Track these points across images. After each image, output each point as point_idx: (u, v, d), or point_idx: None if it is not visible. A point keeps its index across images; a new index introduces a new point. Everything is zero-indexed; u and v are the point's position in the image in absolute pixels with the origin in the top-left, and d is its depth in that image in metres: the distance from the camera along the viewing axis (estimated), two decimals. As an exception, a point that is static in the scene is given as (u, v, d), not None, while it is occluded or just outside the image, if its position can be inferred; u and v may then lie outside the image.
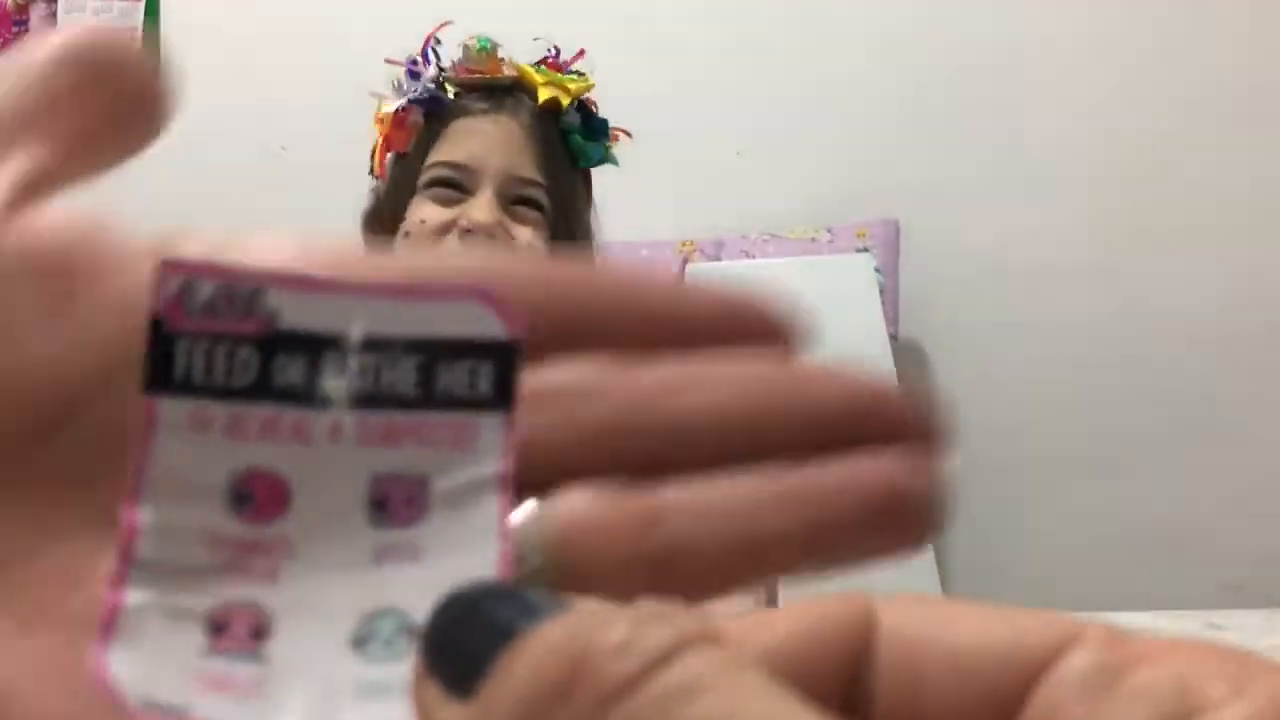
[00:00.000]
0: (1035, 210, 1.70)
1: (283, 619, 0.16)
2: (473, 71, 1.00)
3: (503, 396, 0.17)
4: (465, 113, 0.98)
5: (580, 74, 1.03)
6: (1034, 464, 1.68)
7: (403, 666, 0.15)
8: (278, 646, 0.16)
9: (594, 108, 1.03)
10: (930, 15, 1.75)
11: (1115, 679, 0.14)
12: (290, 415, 0.17)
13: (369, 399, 0.17)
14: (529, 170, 0.95)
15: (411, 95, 1.00)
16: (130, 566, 0.16)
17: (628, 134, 1.07)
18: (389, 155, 1.02)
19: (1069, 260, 1.67)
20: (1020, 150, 1.72)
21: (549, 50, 1.04)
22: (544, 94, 0.99)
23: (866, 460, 0.19)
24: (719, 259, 1.67)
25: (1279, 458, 1.64)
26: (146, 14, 1.89)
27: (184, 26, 1.88)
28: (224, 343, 0.17)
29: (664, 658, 0.13)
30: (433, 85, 1.00)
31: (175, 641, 0.16)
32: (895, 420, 0.19)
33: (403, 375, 0.17)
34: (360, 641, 0.16)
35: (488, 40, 1.01)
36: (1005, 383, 1.67)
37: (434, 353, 0.17)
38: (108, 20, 1.88)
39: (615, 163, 1.05)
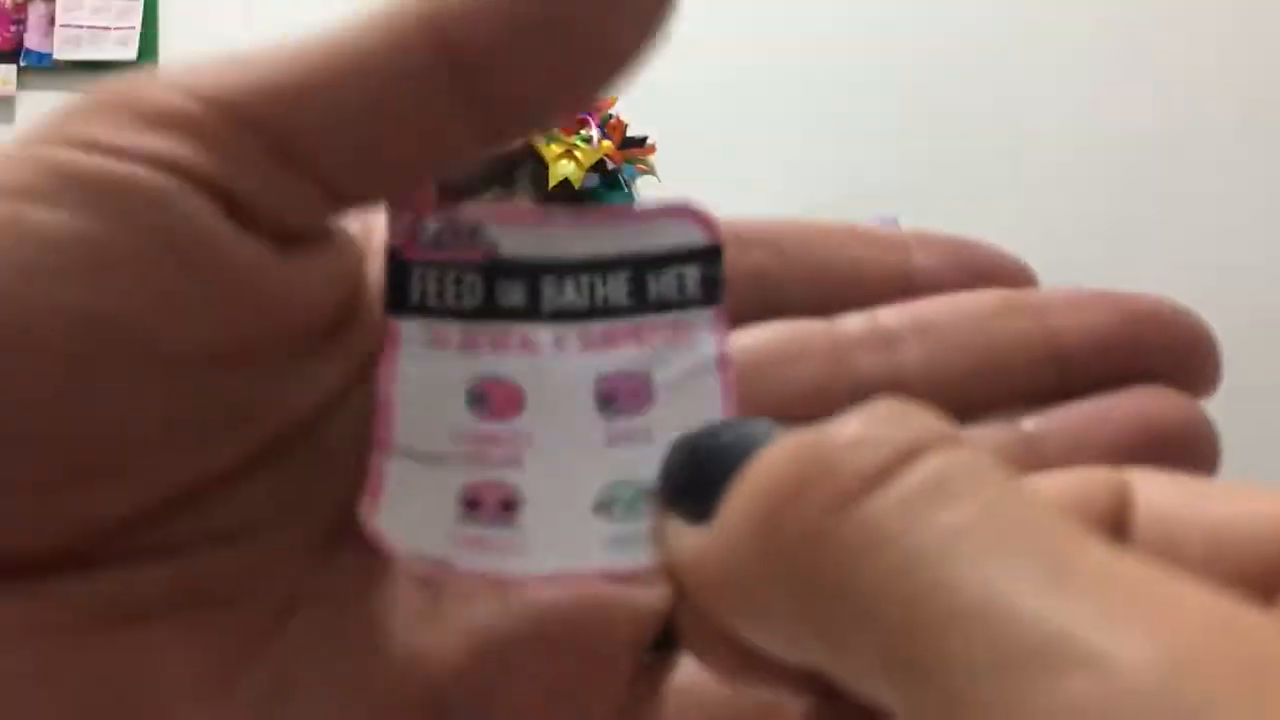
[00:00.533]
0: (1036, 209, 1.70)
1: (529, 493, 0.17)
2: None
3: (711, 293, 0.19)
4: (473, 194, 0.97)
5: (589, 139, 0.98)
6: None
7: (646, 523, 0.17)
8: (528, 515, 0.17)
9: (618, 132, 0.99)
10: (930, 13, 1.75)
11: None
12: (517, 331, 0.18)
13: (588, 312, 0.18)
14: None
15: None
16: (389, 450, 0.17)
17: (651, 148, 1.05)
18: None
19: (1070, 259, 1.67)
20: (1021, 148, 1.72)
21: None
22: (556, 173, 0.95)
23: (1128, 398, 0.18)
24: (718, 258, 1.67)
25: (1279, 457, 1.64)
26: (145, 13, 1.89)
27: (182, 30, 1.88)
28: (452, 269, 0.18)
29: (907, 455, 0.12)
30: None
31: (434, 508, 0.17)
32: (1160, 352, 0.18)
33: (616, 288, 0.19)
34: (603, 507, 0.17)
35: None
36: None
37: (643, 265, 0.19)
38: (106, 20, 1.88)
39: (655, 176, 1.02)
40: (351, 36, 0.16)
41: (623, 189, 1.01)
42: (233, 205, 0.16)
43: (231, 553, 0.17)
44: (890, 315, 0.19)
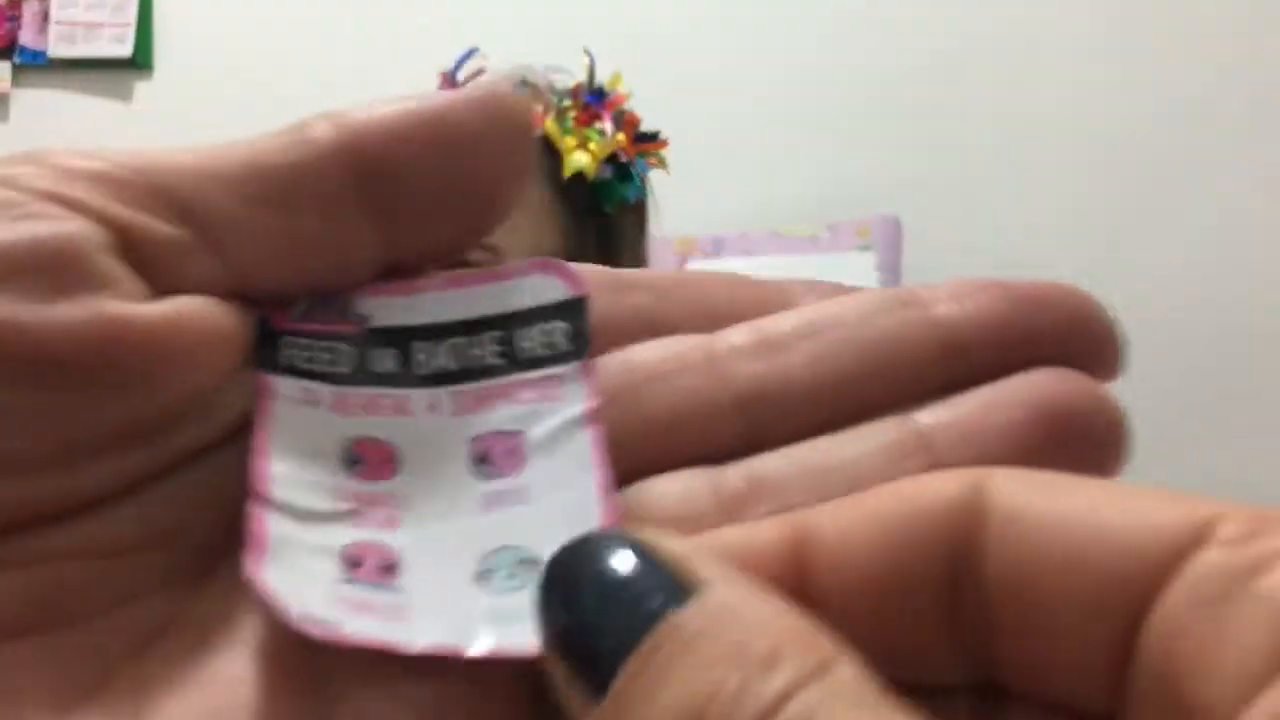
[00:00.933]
0: (1038, 207, 1.69)
1: (409, 558, 0.17)
2: None
3: (578, 346, 0.19)
4: None
5: (603, 132, 0.97)
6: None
7: (528, 594, 0.16)
8: (409, 580, 0.17)
9: (633, 126, 0.98)
10: (931, 11, 1.74)
11: (1243, 583, 0.12)
12: (390, 395, 0.18)
13: (460, 374, 0.18)
14: (554, 242, 0.92)
15: None
16: (267, 506, 0.17)
17: (664, 142, 1.03)
18: None
19: (1072, 258, 1.66)
20: (1023, 147, 1.72)
21: (581, 81, 0.98)
22: (570, 164, 0.94)
23: (1022, 382, 0.17)
24: (718, 256, 1.66)
25: (1279, 458, 1.64)
26: (140, 10, 1.87)
27: (178, 26, 1.87)
28: (324, 340, 0.18)
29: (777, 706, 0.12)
30: None
31: (317, 567, 0.17)
32: (1054, 335, 0.18)
33: (487, 348, 0.19)
34: (484, 576, 0.17)
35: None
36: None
37: (511, 323, 0.19)
38: (101, 16, 1.86)
39: (665, 168, 1.01)
40: (264, 140, 0.17)
41: (635, 181, 1.00)
42: (128, 246, 0.16)
43: (96, 571, 0.16)
44: (773, 322, 0.19)
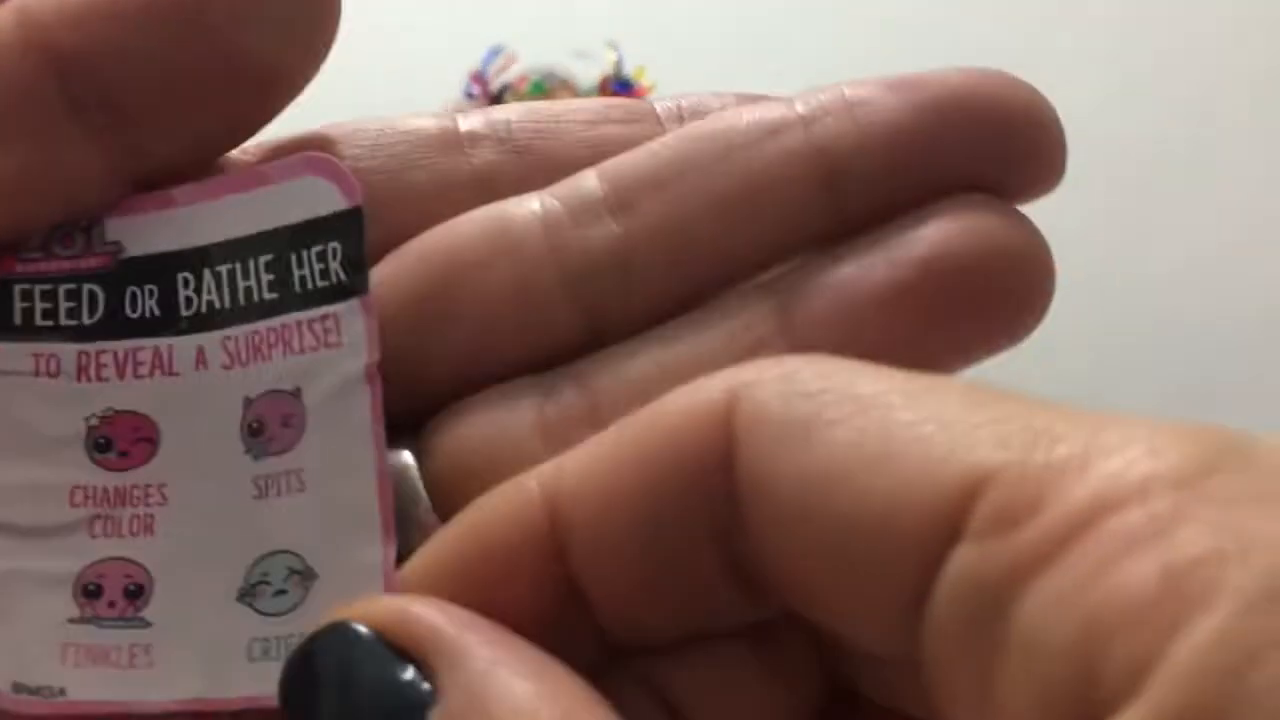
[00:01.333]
0: (1039, 207, 1.69)
1: (162, 575, 0.15)
2: None
3: (355, 276, 0.15)
4: None
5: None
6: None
7: (297, 619, 0.14)
8: (159, 606, 0.15)
9: None
10: (932, 13, 1.74)
11: (1001, 607, 0.09)
12: (149, 347, 0.15)
13: (230, 314, 0.15)
14: None
15: None
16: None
17: None
18: None
19: (1073, 257, 1.66)
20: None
21: (610, 70, 0.97)
22: None
23: (912, 230, 0.14)
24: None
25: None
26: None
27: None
28: (66, 282, 0.15)
29: None
30: None
31: (45, 612, 0.14)
32: (967, 149, 0.15)
33: (259, 278, 0.16)
34: (249, 593, 0.15)
35: (542, 80, 0.94)
36: (1009, 382, 1.66)
37: (284, 243, 0.15)
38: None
39: None
40: None
41: None
42: None
43: None
44: (616, 168, 0.16)
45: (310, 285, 0.15)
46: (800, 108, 0.15)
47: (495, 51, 1.00)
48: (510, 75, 0.98)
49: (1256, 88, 1.68)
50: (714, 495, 0.12)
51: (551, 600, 0.13)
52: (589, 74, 1.01)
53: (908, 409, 0.10)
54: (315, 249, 0.15)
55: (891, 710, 0.13)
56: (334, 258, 0.15)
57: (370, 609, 0.12)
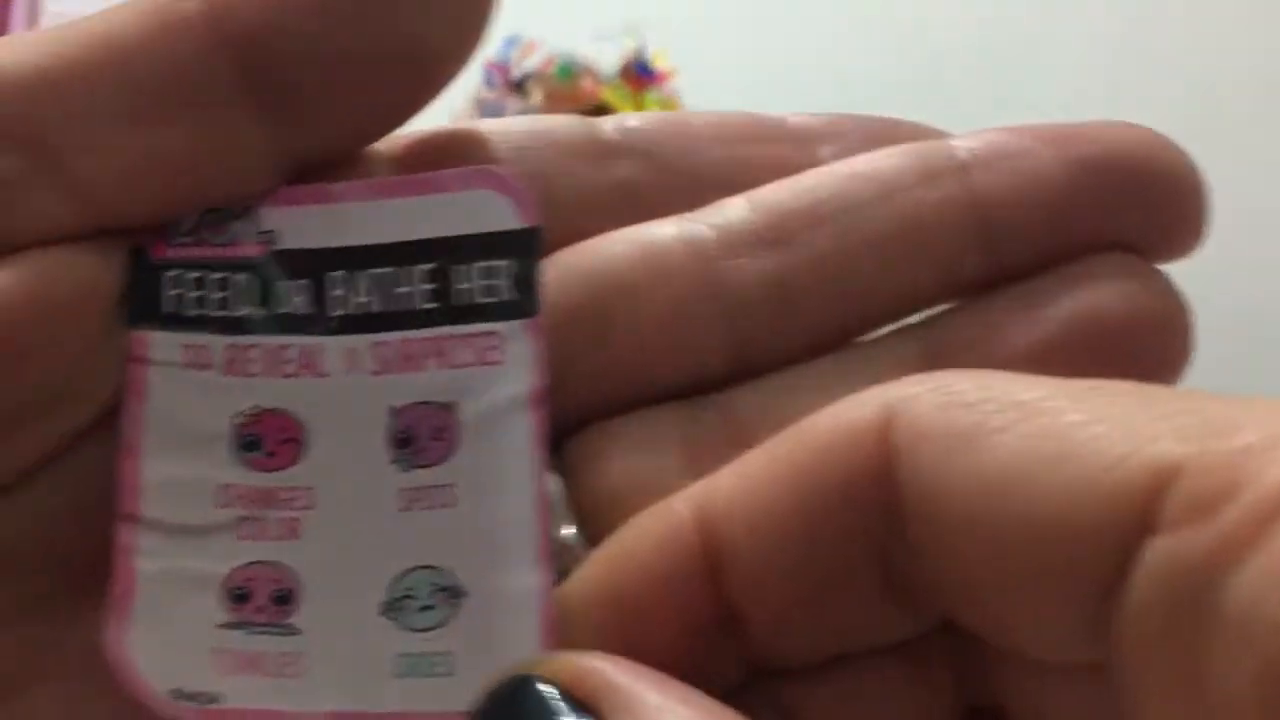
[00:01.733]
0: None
1: (309, 582, 0.15)
2: (554, 99, 0.92)
3: (525, 297, 0.15)
4: None
5: (660, 102, 0.97)
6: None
7: (444, 636, 0.14)
8: (307, 614, 0.15)
9: None
10: (932, 12, 1.74)
11: (1209, 591, 0.10)
12: (298, 345, 0.15)
13: (382, 318, 0.15)
14: None
15: None
16: (137, 529, 0.14)
17: None
18: None
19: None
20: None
21: (632, 56, 0.97)
22: None
23: (1063, 285, 0.15)
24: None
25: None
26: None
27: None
28: (217, 270, 0.15)
29: None
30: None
31: (196, 615, 0.14)
32: (1119, 210, 0.15)
33: (417, 286, 0.15)
34: (394, 607, 0.15)
35: (568, 64, 0.94)
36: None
37: (446, 253, 0.15)
38: (92, 9, 1.83)
39: None
40: (120, 20, 0.14)
41: None
42: None
43: None
44: (774, 196, 0.16)
45: (473, 300, 0.15)
46: (958, 154, 0.16)
47: (512, 40, 0.98)
48: (533, 62, 0.98)
49: (1256, 87, 1.70)
50: (871, 510, 0.12)
51: (701, 623, 0.13)
52: (609, 59, 1.01)
53: (1077, 411, 0.11)
54: (481, 264, 0.15)
55: None
56: (503, 276, 0.15)
57: (550, 664, 0.13)
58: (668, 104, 0.94)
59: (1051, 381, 0.12)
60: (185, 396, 0.15)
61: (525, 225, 0.15)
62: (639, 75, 0.95)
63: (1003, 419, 0.11)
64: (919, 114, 0.18)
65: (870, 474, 0.12)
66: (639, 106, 0.92)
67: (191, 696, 0.14)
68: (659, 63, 1.00)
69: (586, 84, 0.95)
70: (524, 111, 0.91)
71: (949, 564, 0.12)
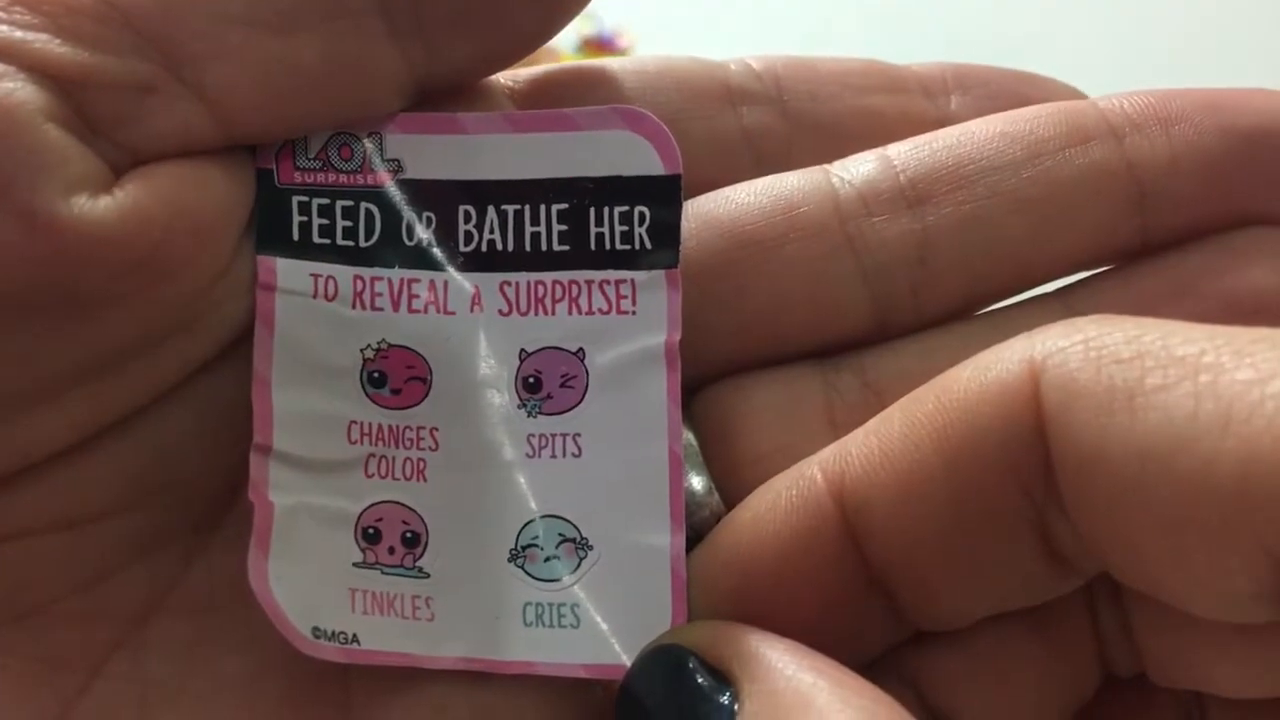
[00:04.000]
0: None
1: (435, 525, 0.14)
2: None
3: (665, 247, 0.15)
4: None
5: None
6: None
7: (570, 588, 0.14)
8: (435, 558, 0.14)
9: None
10: (933, 12, 1.73)
11: None
12: (424, 280, 0.15)
13: (512, 257, 0.15)
14: None
15: None
16: (269, 461, 0.14)
17: None
18: None
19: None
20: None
21: (590, 30, 0.95)
22: None
23: (1219, 258, 0.14)
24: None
25: None
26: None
27: None
28: (344, 197, 0.14)
29: None
30: None
31: (332, 553, 0.14)
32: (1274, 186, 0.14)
33: (550, 226, 0.15)
34: (520, 555, 0.14)
35: None
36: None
37: (582, 196, 0.15)
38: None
39: None
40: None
41: None
42: (79, 104, 0.12)
43: (57, 548, 0.13)
44: (915, 155, 0.15)
45: (608, 245, 0.15)
46: (1111, 117, 0.15)
47: None
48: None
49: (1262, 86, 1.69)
50: (1022, 470, 0.12)
51: (837, 592, 0.13)
52: (567, 37, 0.99)
53: (1245, 367, 0.10)
54: (619, 208, 0.15)
55: (1172, 692, 0.13)
56: (641, 222, 0.15)
57: (689, 632, 0.13)
58: None
59: (1209, 331, 0.11)
60: (313, 328, 0.14)
61: (667, 172, 0.15)
62: (601, 44, 0.93)
63: (1162, 377, 0.11)
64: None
65: (1021, 435, 0.12)
66: None
67: (331, 635, 0.14)
68: (620, 37, 0.97)
69: (547, 61, 0.96)
70: None
71: (1111, 524, 0.11)
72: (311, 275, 0.14)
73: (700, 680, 0.12)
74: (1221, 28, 1.67)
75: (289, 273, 0.14)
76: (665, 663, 0.13)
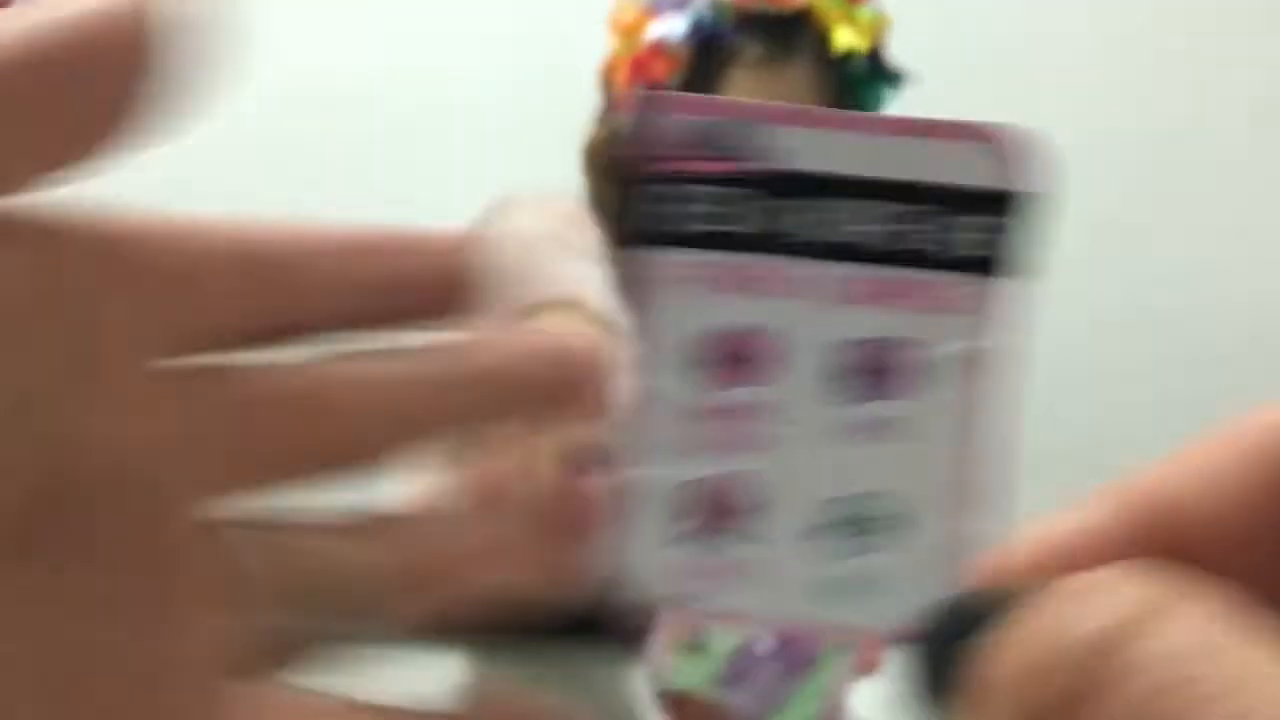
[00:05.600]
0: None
1: (775, 494, 0.15)
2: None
3: (1006, 257, 0.16)
4: (740, 59, 0.78)
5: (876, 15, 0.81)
6: (1037, 464, 1.67)
7: (895, 561, 0.15)
8: (765, 525, 0.15)
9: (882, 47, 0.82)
10: (933, 12, 1.73)
11: None
12: (799, 269, 0.15)
13: (864, 252, 0.16)
14: None
15: (681, 30, 0.77)
16: (628, 438, 0.15)
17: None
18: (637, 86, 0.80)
19: (1075, 257, 1.65)
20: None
21: None
22: (840, 40, 0.77)
23: None
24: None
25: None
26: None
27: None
28: (728, 186, 0.15)
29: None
30: (708, 14, 0.77)
31: (672, 521, 0.15)
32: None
33: (927, 230, 0.16)
34: (821, 529, 0.15)
35: None
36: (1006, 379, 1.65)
37: (932, 200, 0.16)
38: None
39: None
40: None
41: (886, 96, 0.85)
42: None
43: None
44: None
45: (948, 250, 0.16)
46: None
47: None
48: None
49: (1256, 90, 1.68)
50: None
51: None
52: None
53: None
54: (976, 218, 0.16)
55: None
56: (989, 234, 0.16)
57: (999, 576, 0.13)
58: (877, 19, 0.82)
59: None
60: (686, 307, 0.15)
61: (1013, 188, 0.16)
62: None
63: None
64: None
65: None
66: (849, 16, 0.79)
67: (671, 599, 0.15)
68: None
69: None
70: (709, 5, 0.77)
71: None
72: (690, 264, 0.15)
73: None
74: (1219, 32, 1.68)
75: (667, 264, 0.15)
76: (981, 602, 0.13)
